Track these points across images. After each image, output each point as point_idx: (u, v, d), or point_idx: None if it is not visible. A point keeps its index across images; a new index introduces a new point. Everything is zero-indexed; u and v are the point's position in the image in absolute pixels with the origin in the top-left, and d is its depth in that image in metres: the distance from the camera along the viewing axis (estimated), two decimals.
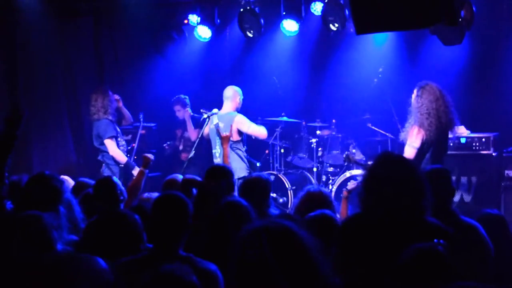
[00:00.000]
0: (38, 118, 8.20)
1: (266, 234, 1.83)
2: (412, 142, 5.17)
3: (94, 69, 8.85)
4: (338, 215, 7.14)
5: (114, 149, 6.39)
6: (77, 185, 4.74)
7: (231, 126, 5.88)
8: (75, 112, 8.69)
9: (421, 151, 5.18)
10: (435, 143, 5.22)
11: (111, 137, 6.41)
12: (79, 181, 4.89)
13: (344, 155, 6.92)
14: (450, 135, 5.54)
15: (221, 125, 5.97)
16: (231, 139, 5.89)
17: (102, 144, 6.55)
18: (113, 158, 6.49)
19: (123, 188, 4.17)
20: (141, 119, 7.33)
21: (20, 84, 8.13)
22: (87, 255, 2.82)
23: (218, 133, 5.89)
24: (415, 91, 5.33)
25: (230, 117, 6.02)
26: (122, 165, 6.43)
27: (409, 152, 5.16)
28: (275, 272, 1.77)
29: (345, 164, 7.40)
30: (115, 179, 4.20)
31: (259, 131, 6.15)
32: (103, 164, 6.59)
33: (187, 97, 7.83)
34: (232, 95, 6.15)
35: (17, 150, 8.18)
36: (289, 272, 1.77)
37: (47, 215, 2.93)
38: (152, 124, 7.86)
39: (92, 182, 4.72)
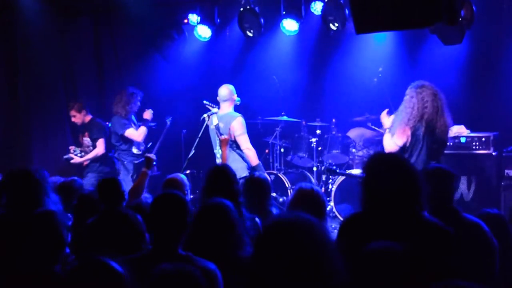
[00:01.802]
0: (38, 118, 8.21)
1: (291, 228, 1.85)
2: (396, 139, 5.28)
3: (94, 69, 8.86)
4: (337, 214, 7.21)
5: (139, 133, 6.76)
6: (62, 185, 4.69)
7: (230, 128, 5.85)
8: None
9: (401, 150, 5.29)
10: (424, 144, 5.23)
11: (127, 128, 6.69)
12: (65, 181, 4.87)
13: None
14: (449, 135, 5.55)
15: (221, 125, 5.94)
16: (231, 139, 5.88)
17: (118, 140, 6.64)
18: (129, 155, 6.60)
19: (125, 189, 4.16)
20: (168, 123, 7.39)
21: (20, 84, 8.14)
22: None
23: (218, 134, 5.87)
24: (408, 90, 5.35)
25: (230, 118, 5.98)
26: (137, 162, 6.52)
27: (391, 147, 5.32)
28: (298, 265, 1.78)
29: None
30: (119, 179, 4.18)
31: (246, 145, 5.92)
32: (118, 162, 6.65)
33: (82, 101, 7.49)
34: (228, 94, 6.09)
35: (17, 150, 8.23)
36: (308, 266, 1.79)
37: (60, 213, 2.95)
38: (152, 124, 7.85)
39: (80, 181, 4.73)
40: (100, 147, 7.12)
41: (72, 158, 7.18)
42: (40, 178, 3.72)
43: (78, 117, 7.28)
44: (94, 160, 7.14)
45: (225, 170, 4.06)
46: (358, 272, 2.07)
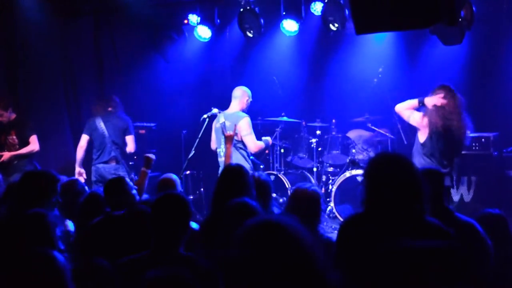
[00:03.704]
0: (38, 118, 8.21)
1: (265, 229, 1.83)
2: (413, 117, 5.58)
3: (94, 69, 8.85)
4: (337, 215, 7.21)
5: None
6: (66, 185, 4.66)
7: (235, 126, 5.87)
8: (75, 112, 8.69)
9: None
10: (437, 144, 5.25)
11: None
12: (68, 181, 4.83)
13: (348, 160, 7.13)
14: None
15: (227, 123, 5.97)
16: (236, 138, 5.88)
17: (125, 141, 6.65)
18: (126, 156, 6.65)
19: (135, 191, 4.15)
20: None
21: (20, 84, 8.14)
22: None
23: (223, 131, 5.88)
24: (431, 93, 5.46)
25: (237, 117, 6.01)
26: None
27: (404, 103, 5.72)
28: (273, 267, 1.77)
29: (350, 168, 7.47)
30: (128, 179, 4.15)
31: (254, 144, 5.95)
32: (120, 163, 6.61)
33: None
34: (240, 95, 6.13)
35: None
36: (287, 267, 1.77)
37: (51, 214, 2.94)
38: (152, 124, 7.85)
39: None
40: (35, 144, 6.90)
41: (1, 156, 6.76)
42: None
43: (5, 116, 6.86)
44: (23, 157, 6.83)
45: (241, 171, 4.01)
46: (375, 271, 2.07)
